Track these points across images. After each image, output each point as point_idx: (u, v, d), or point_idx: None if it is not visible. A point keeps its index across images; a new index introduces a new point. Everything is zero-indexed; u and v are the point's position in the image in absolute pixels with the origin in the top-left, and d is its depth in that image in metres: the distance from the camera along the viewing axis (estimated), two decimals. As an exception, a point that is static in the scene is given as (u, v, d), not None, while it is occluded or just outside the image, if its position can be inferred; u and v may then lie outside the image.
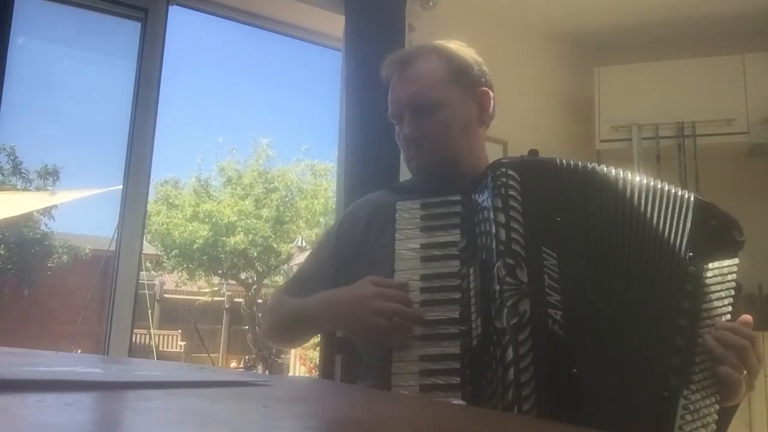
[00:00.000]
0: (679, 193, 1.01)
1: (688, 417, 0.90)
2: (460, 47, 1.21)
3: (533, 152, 1.03)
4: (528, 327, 0.86)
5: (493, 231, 0.93)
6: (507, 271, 0.89)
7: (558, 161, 1.00)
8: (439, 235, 1.01)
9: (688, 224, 0.98)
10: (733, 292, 0.98)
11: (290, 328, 1.25)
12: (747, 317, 0.98)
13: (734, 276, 0.99)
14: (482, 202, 0.98)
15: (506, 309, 0.87)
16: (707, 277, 0.97)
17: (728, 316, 0.97)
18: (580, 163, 1.00)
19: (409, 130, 1.14)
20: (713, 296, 0.97)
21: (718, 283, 0.98)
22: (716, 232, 1.01)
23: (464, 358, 0.92)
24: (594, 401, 0.87)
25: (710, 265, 0.98)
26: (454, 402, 0.90)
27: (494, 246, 0.92)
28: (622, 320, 0.93)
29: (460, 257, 0.98)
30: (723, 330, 0.94)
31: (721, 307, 0.97)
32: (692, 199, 1.01)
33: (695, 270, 0.97)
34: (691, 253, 0.97)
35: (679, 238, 0.98)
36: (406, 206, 1.05)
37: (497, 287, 0.90)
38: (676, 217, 0.99)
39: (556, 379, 0.86)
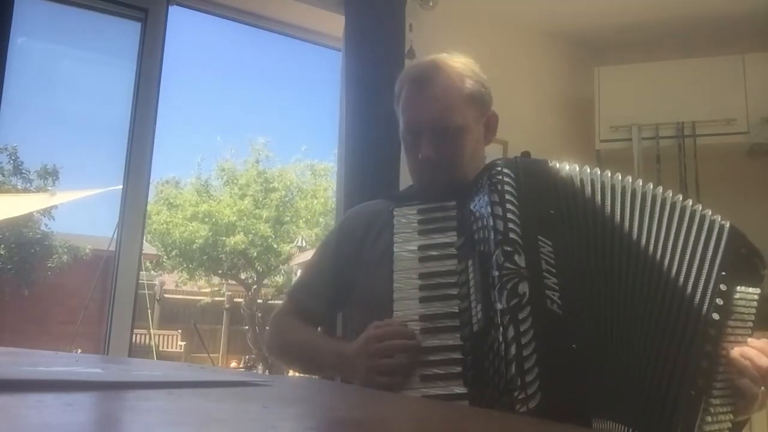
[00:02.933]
0: (709, 214, 1.04)
1: (708, 419, 0.94)
2: (470, 65, 1.23)
3: (526, 154, 1.09)
4: (528, 307, 0.89)
5: (491, 224, 0.96)
6: (505, 257, 0.92)
7: (550, 162, 1.03)
8: (437, 237, 1.04)
9: (722, 247, 1.01)
10: (753, 318, 1.02)
11: (299, 361, 1.28)
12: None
13: (755, 304, 1.03)
14: (479, 206, 1.01)
15: (506, 291, 0.90)
16: (736, 298, 1.00)
17: (748, 339, 1.00)
18: (576, 166, 1.03)
19: (428, 151, 1.15)
20: (739, 316, 1.00)
21: (744, 306, 1.01)
22: (745, 260, 1.04)
23: (465, 347, 0.94)
24: (599, 380, 0.90)
25: (739, 288, 1.01)
26: (456, 390, 0.92)
27: (492, 237, 0.95)
28: (630, 307, 0.95)
29: (457, 256, 1.01)
30: (750, 347, 0.98)
31: (744, 327, 1.00)
32: (727, 225, 1.04)
33: (727, 288, 1.00)
34: (723, 272, 1.00)
35: (710, 256, 1.01)
36: (403, 212, 1.08)
37: (496, 273, 0.93)
38: (704, 238, 1.02)
39: (557, 354, 0.89)
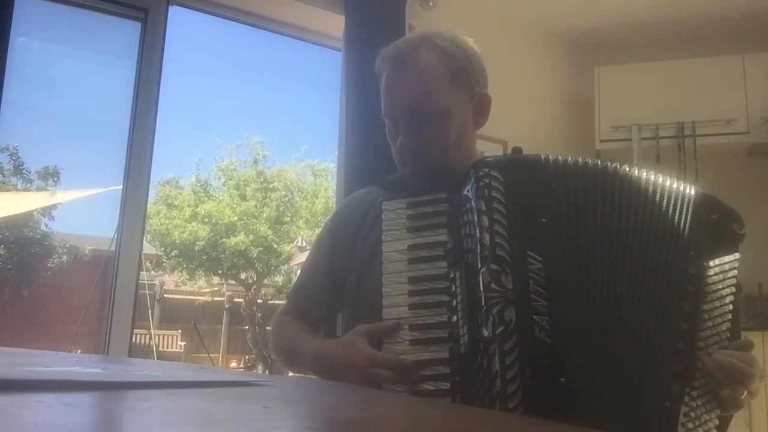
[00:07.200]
0: (679, 187, 0.98)
1: (690, 425, 0.89)
2: (460, 41, 1.15)
3: (516, 150, 1.01)
4: (514, 336, 0.85)
5: (477, 234, 0.91)
6: (492, 277, 0.88)
7: (542, 158, 0.96)
8: (426, 236, 0.98)
9: (689, 220, 0.95)
10: (734, 290, 0.96)
11: (287, 360, 1.24)
12: (749, 341, 0.97)
13: (735, 272, 0.97)
14: (467, 201, 0.95)
15: (492, 317, 0.86)
16: (709, 276, 0.94)
17: (729, 316, 0.95)
18: (569, 159, 0.97)
19: (406, 138, 1.10)
20: (714, 296, 0.94)
21: (720, 282, 0.95)
22: (717, 227, 0.98)
23: (453, 365, 0.90)
24: (586, 410, 0.86)
25: (711, 263, 0.95)
26: None
27: (479, 250, 0.90)
28: (615, 324, 0.90)
29: (447, 258, 0.96)
30: (724, 356, 0.92)
31: (722, 306, 0.94)
32: (692, 193, 0.98)
33: (696, 270, 0.94)
34: (692, 252, 0.94)
35: (678, 235, 0.95)
36: (392, 206, 1.02)
37: (482, 294, 0.88)
38: (676, 213, 0.96)
39: (543, 388, 0.85)
